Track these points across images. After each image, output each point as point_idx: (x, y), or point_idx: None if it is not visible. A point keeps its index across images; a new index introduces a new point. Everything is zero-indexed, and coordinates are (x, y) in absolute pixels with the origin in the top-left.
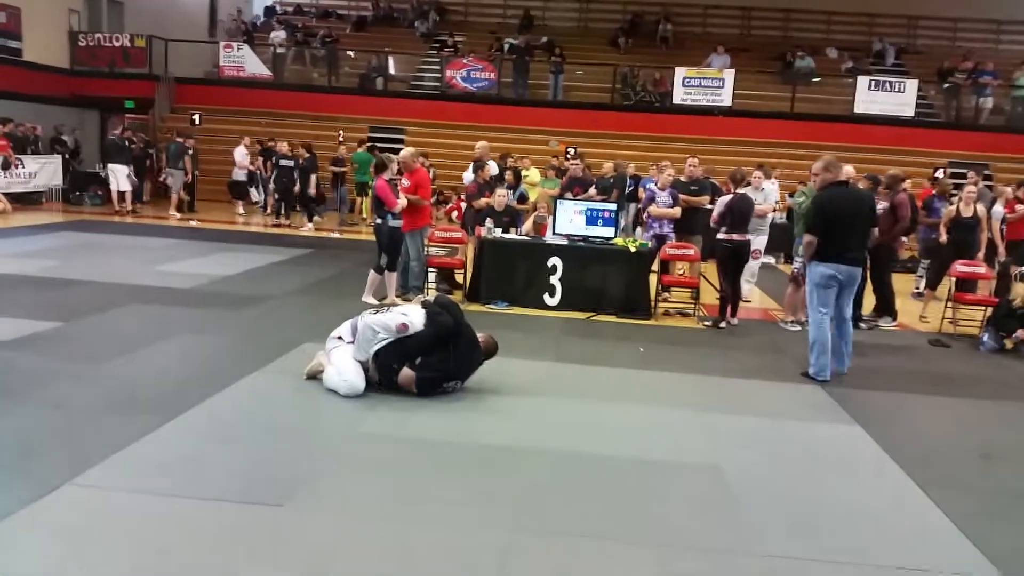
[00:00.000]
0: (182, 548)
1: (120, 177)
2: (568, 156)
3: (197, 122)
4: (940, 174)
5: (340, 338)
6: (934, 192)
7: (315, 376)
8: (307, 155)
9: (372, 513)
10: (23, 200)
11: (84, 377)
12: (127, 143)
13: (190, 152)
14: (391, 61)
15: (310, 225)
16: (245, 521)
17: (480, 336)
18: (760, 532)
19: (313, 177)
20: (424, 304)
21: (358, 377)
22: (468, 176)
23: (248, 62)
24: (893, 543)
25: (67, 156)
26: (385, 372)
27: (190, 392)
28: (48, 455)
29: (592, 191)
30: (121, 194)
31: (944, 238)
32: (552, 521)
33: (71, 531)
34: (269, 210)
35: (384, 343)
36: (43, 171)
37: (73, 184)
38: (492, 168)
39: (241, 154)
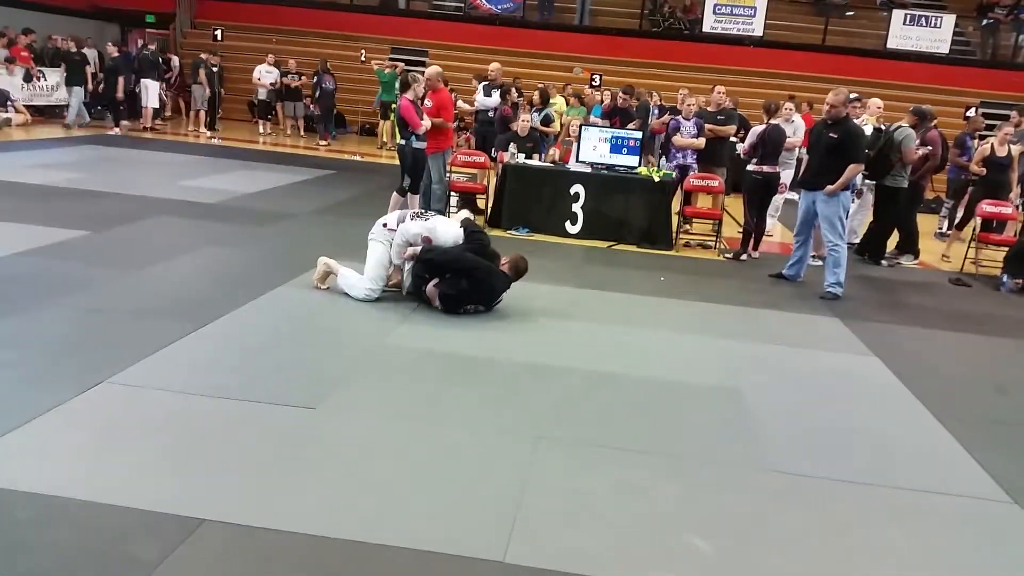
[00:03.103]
0: (216, 444)
1: (151, 93)
2: (593, 84)
3: (219, 38)
4: (972, 112)
5: (385, 225)
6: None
7: (324, 282)
8: (116, 55)
9: (403, 416)
10: (44, 113)
11: (117, 283)
12: (159, 59)
13: (215, 68)
14: None
15: (116, 130)
16: (278, 421)
17: (508, 257)
18: (775, 450)
19: (120, 80)
20: (464, 223)
21: (374, 282)
22: (479, 98)
23: None
24: (905, 467)
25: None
26: (416, 281)
27: (220, 301)
28: (85, 355)
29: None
30: (154, 110)
31: (981, 172)
32: (576, 432)
33: (106, 426)
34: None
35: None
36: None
37: (95, 99)
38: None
39: (264, 72)
